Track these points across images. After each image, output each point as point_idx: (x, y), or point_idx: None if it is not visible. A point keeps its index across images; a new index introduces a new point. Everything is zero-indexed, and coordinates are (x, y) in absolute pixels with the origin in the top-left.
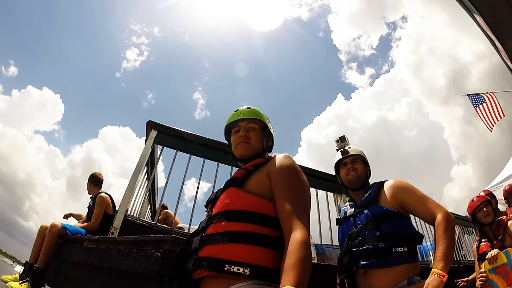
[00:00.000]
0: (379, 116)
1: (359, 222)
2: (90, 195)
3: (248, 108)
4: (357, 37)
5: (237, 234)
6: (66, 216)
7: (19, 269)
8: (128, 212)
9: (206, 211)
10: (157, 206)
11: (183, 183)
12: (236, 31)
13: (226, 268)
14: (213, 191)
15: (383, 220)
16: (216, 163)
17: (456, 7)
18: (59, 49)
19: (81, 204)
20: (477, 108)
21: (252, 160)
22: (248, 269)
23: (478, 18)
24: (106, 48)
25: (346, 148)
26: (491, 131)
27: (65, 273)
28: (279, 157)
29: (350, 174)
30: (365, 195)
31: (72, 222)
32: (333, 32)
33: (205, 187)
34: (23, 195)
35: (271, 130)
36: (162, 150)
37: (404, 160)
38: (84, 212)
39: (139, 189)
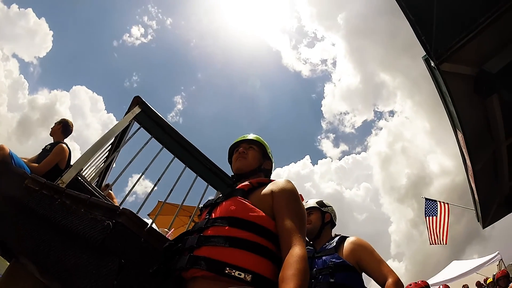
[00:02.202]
0: (336, 190)
1: (316, 266)
2: (52, 139)
3: (253, 134)
4: (344, 112)
5: (241, 241)
6: None
7: None
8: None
9: (200, 215)
10: (104, 184)
11: (146, 169)
12: (236, 62)
13: (226, 271)
14: (171, 190)
15: (339, 270)
16: (184, 166)
17: (440, 121)
18: None
19: (24, 147)
20: (428, 218)
21: (248, 177)
22: (250, 276)
23: (460, 135)
24: (116, 14)
25: None
26: (430, 244)
27: None
28: (282, 181)
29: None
30: (327, 243)
31: None
32: (325, 99)
33: (149, 188)
34: None
35: (270, 156)
36: (137, 130)
37: None
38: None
39: (97, 156)
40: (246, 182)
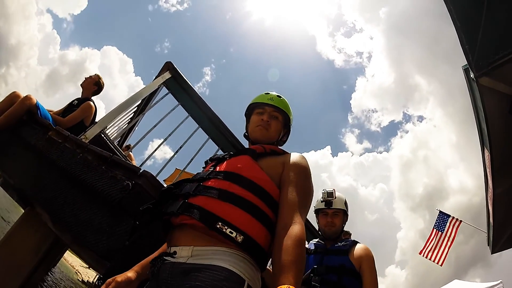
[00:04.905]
0: (351, 185)
1: (326, 263)
2: (81, 94)
3: (279, 96)
4: (373, 110)
5: (240, 199)
6: None
7: None
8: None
9: (203, 167)
10: (125, 145)
11: (169, 136)
12: (270, 40)
13: (218, 226)
14: (192, 160)
15: (347, 274)
16: (207, 137)
17: (468, 137)
18: None
19: (50, 100)
20: (434, 230)
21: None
22: (242, 237)
23: (487, 154)
24: None
25: (331, 200)
26: (419, 253)
27: (12, 150)
28: (297, 154)
29: (328, 227)
30: (339, 243)
31: None
32: (355, 93)
33: (168, 154)
34: (3, 60)
35: (290, 128)
36: (165, 96)
37: (352, 236)
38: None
39: (122, 117)
40: (259, 145)
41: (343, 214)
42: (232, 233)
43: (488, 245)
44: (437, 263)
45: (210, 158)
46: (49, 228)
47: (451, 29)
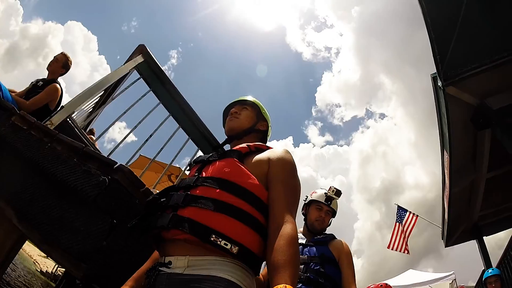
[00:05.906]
0: (311, 175)
1: (307, 253)
2: (47, 75)
3: (249, 96)
4: (336, 104)
5: (232, 208)
6: None
7: None
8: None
9: (188, 169)
10: (88, 129)
11: (139, 123)
12: (239, 28)
13: (212, 239)
14: (161, 149)
15: (328, 262)
16: (177, 125)
17: (426, 137)
18: None
19: (9, 76)
20: (397, 223)
21: (241, 137)
22: (237, 247)
23: (446, 156)
24: None
25: (334, 199)
26: (387, 247)
27: None
28: (282, 150)
29: (318, 223)
30: (319, 236)
31: None
32: (321, 86)
33: (129, 139)
34: None
35: (266, 117)
36: (136, 80)
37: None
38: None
39: (89, 102)
40: (244, 145)
41: (332, 216)
42: (227, 245)
43: (442, 239)
44: (405, 252)
45: (194, 160)
46: (13, 224)
47: (418, 34)
